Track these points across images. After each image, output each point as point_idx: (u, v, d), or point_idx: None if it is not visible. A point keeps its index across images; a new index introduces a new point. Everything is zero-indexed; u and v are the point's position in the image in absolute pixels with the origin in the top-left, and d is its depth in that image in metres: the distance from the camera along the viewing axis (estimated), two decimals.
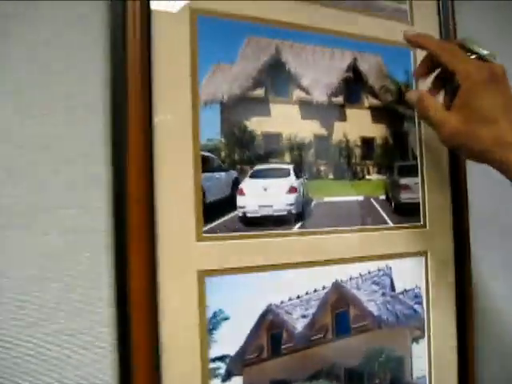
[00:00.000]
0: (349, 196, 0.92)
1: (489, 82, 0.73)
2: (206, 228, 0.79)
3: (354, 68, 0.94)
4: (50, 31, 0.74)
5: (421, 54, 0.98)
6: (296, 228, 0.86)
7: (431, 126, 0.80)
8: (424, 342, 0.99)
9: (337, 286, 0.89)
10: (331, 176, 0.91)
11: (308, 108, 0.89)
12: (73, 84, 0.76)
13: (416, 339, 0.98)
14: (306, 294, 0.87)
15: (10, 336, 0.71)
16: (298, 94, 0.89)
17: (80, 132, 0.76)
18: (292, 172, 0.87)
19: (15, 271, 0.71)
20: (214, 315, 0.79)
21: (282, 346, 0.85)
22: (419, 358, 0.98)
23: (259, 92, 0.85)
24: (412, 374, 0.97)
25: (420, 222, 0.99)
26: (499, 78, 0.74)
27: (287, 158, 0.87)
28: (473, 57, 0.79)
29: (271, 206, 0.84)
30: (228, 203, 0.82)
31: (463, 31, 1.05)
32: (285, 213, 0.86)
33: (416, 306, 0.98)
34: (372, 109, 0.96)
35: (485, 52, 0.79)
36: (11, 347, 0.71)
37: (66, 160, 0.75)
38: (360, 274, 0.92)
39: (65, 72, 0.75)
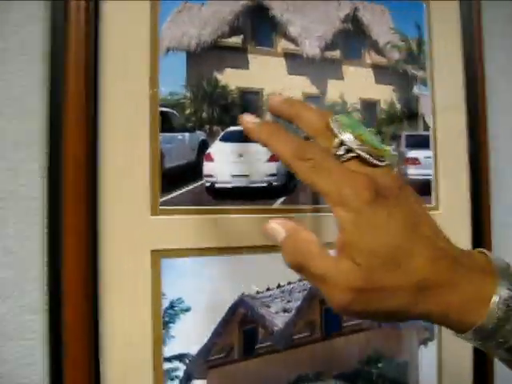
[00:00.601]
0: None
1: (375, 202, 0.45)
2: (163, 199, 0.65)
3: (353, 18, 0.79)
4: None
5: (436, 8, 0.83)
6: (278, 203, 0.72)
7: (314, 285, 0.48)
8: (434, 346, 0.83)
9: None
10: None
11: (296, 62, 0.75)
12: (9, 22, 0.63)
13: (424, 342, 0.83)
14: (289, 283, 0.72)
15: None
16: (284, 44, 0.74)
17: (13, 81, 0.62)
18: None
19: None
20: (172, 305, 0.66)
21: (257, 346, 0.71)
22: (428, 363, 0.82)
23: (235, 40, 0.71)
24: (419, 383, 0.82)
25: (431, 203, 0.83)
26: (388, 191, 0.46)
27: (269, 119, 0.72)
28: (346, 157, 0.47)
29: (247, 176, 0.70)
30: (192, 170, 0.68)
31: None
32: (264, 185, 0.71)
33: None
34: (375, 67, 0.81)
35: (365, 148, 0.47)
36: None
37: None
38: None
39: None
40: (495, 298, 0.44)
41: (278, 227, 0.50)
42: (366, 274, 0.44)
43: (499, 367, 0.88)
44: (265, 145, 0.50)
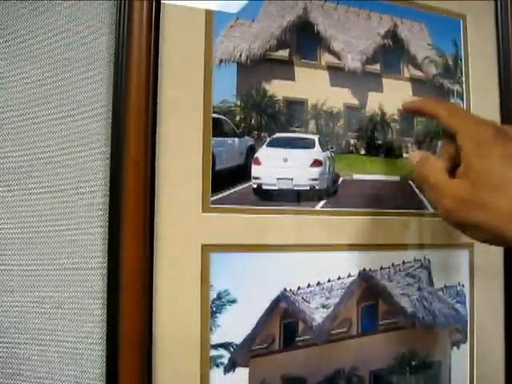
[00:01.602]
0: (383, 175, 0.81)
1: (495, 139, 0.58)
2: (213, 198, 0.71)
3: (393, 34, 0.84)
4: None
5: (472, 25, 0.88)
6: (319, 206, 0.77)
7: (429, 195, 0.63)
8: (466, 348, 0.86)
9: (365, 276, 0.79)
10: (363, 151, 0.81)
11: (339, 74, 0.80)
12: (76, 35, 0.69)
13: (457, 343, 0.86)
14: (329, 281, 0.77)
15: None
16: (327, 58, 0.79)
17: (79, 87, 0.69)
18: (317, 143, 0.77)
19: None
20: (219, 296, 0.71)
21: (297, 338, 0.75)
22: (460, 365, 0.86)
23: (282, 53, 0.77)
24: None
25: None
26: (507, 135, 0.59)
27: (312, 127, 0.78)
28: None
29: (291, 180, 0.75)
30: (241, 173, 0.73)
31: None
32: (307, 188, 0.76)
33: (458, 306, 0.86)
34: (413, 81, 0.85)
35: None
36: None
37: (63, 116, 0.68)
38: (392, 264, 0.81)
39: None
40: None
41: (416, 153, 0.69)
42: (472, 188, 0.56)
43: None
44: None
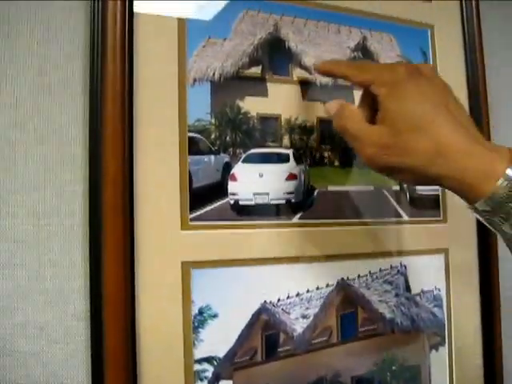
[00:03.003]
0: (357, 185, 0.84)
1: (407, 79, 0.57)
2: (192, 216, 0.72)
3: (363, 47, 0.86)
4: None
5: (440, 34, 0.90)
6: (296, 219, 0.78)
7: (352, 145, 0.60)
8: (444, 350, 0.89)
9: (343, 285, 0.81)
10: (337, 163, 0.83)
11: (310, 89, 0.82)
12: (51, 59, 0.70)
13: (435, 346, 0.88)
14: (307, 291, 0.79)
15: None
16: (299, 73, 0.81)
17: (55, 111, 0.70)
18: (292, 157, 0.79)
19: None
20: (200, 311, 0.72)
21: (279, 349, 0.77)
22: (439, 368, 0.88)
23: (255, 70, 0.79)
24: None
25: (439, 216, 0.89)
26: (420, 72, 0.58)
27: (286, 142, 0.80)
28: None
29: (267, 194, 0.77)
30: (218, 189, 0.75)
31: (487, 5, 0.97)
32: (283, 202, 0.78)
33: (435, 310, 0.88)
34: None
35: None
36: None
37: (40, 140, 0.69)
38: (370, 272, 0.83)
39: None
40: (504, 176, 0.51)
41: (332, 104, 0.64)
42: (392, 132, 0.55)
43: (509, 371, 0.93)
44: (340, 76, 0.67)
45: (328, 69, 0.67)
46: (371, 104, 0.60)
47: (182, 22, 0.73)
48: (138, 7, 0.71)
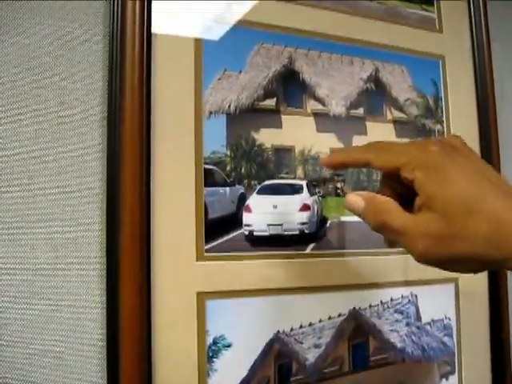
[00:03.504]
0: None
1: (444, 158, 0.50)
2: (207, 247, 0.73)
3: (375, 78, 0.87)
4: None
5: (451, 65, 0.92)
6: (309, 249, 0.80)
7: (397, 238, 0.52)
8: (454, 379, 0.89)
9: (354, 314, 0.82)
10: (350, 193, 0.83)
11: (324, 120, 0.83)
12: (70, 93, 0.72)
13: (445, 375, 0.89)
14: (320, 321, 0.79)
15: None
16: (312, 105, 0.83)
17: (75, 142, 0.71)
18: (305, 188, 0.80)
19: None
20: (215, 341, 0.73)
21: (291, 379, 0.78)
22: None
23: (270, 102, 0.80)
24: None
25: None
26: (454, 148, 0.52)
27: (300, 173, 0.81)
28: None
29: (281, 225, 0.78)
30: (233, 221, 0.76)
31: (497, 36, 0.98)
32: (296, 232, 0.79)
33: (445, 338, 0.89)
34: (396, 122, 0.89)
35: None
36: None
37: (59, 171, 0.71)
38: (381, 302, 0.84)
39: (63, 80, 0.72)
40: None
41: (357, 198, 0.54)
42: (444, 220, 0.48)
43: None
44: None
45: (340, 160, 0.58)
46: (396, 188, 0.54)
47: (198, 55, 0.75)
48: (155, 48, 0.72)
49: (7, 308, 0.68)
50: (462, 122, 0.93)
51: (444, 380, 0.89)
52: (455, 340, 0.90)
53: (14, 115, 0.69)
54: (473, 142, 0.93)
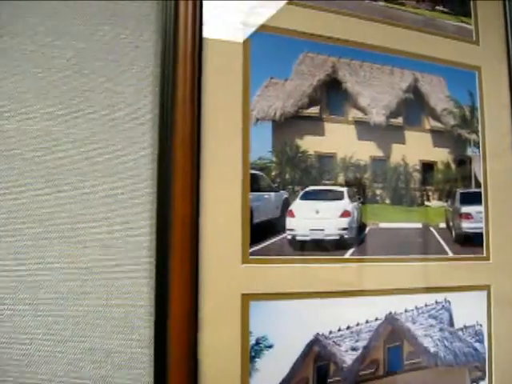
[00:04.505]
0: (406, 223, 0.86)
1: None
2: (252, 250, 0.75)
3: (414, 88, 0.89)
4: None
5: (487, 76, 0.93)
6: (348, 254, 0.81)
7: None
8: None
9: (390, 319, 0.84)
10: (388, 201, 0.86)
11: (365, 128, 0.85)
12: (122, 95, 0.74)
13: (476, 380, 0.91)
14: (357, 325, 0.81)
15: (44, 351, 0.68)
16: (354, 113, 0.85)
17: (126, 146, 0.74)
18: (346, 195, 0.82)
19: (52, 284, 0.69)
20: (257, 342, 0.75)
21: (329, 380, 0.79)
22: None
23: (313, 110, 0.82)
24: None
25: (483, 253, 0.92)
26: None
27: (341, 179, 0.83)
28: None
29: (323, 230, 0.80)
30: (277, 225, 0.78)
31: None
32: (337, 237, 0.81)
33: (476, 344, 0.90)
34: (433, 132, 0.90)
35: None
36: (43, 362, 0.68)
37: (111, 173, 0.73)
38: (416, 307, 0.86)
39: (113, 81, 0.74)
40: None
41: None
42: None
43: None
44: None
45: None
46: None
47: (246, 61, 0.77)
48: (205, 52, 0.74)
49: (60, 305, 0.70)
50: (497, 132, 0.95)
51: None
52: (486, 346, 0.91)
53: (67, 118, 0.71)
54: (508, 151, 0.95)
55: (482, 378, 0.91)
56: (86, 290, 0.71)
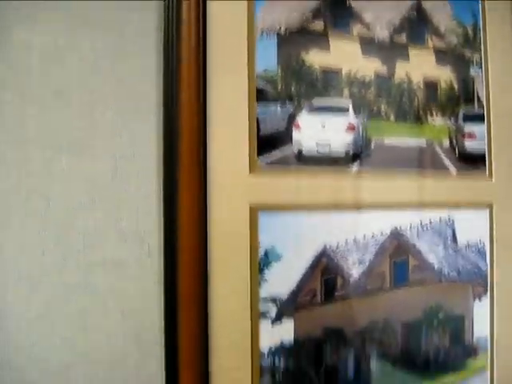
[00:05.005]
0: (411, 139, 0.86)
1: None
2: (259, 161, 0.75)
3: (417, 6, 0.89)
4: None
5: None
6: (354, 169, 0.82)
7: None
8: (487, 301, 0.92)
9: (396, 233, 0.84)
10: (392, 117, 0.86)
11: (369, 45, 0.84)
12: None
13: (478, 296, 0.92)
14: (364, 238, 0.82)
15: (55, 262, 0.68)
16: (358, 29, 0.84)
17: (131, 54, 0.73)
18: (351, 109, 0.82)
19: (61, 196, 0.69)
20: (266, 253, 0.75)
21: (336, 293, 0.80)
22: (481, 317, 0.92)
23: (318, 25, 0.81)
24: (473, 335, 0.91)
25: (486, 172, 0.92)
26: None
27: (346, 94, 0.82)
28: None
29: (329, 144, 0.80)
30: (283, 137, 0.78)
31: None
32: (343, 152, 0.81)
33: (479, 261, 0.92)
34: (436, 50, 0.90)
35: None
36: (55, 273, 0.68)
37: (117, 83, 0.72)
38: (420, 223, 0.86)
39: None
40: None
41: None
42: None
43: None
44: None
45: None
46: None
47: None
48: None
49: (71, 217, 0.69)
50: (500, 51, 0.94)
51: (477, 300, 0.92)
52: (488, 264, 0.92)
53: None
54: (509, 71, 0.95)
55: (484, 294, 0.92)
56: (95, 201, 0.71)
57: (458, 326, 0.90)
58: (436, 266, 0.87)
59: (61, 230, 0.69)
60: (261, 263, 0.75)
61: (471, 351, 0.91)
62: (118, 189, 0.72)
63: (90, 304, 0.70)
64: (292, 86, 0.79)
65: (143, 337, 0.72)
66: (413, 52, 0.88)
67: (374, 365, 0.83)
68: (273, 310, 0.76)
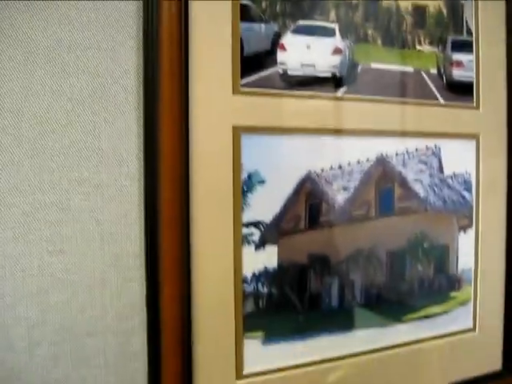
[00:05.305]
0: (398, 65, 0.84)
1: None
2: (243, 82, 0.73)
3: None
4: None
5: None
6: (340, 92, 0.79)
7: None
8: (472, 232, 0.92)
9: (381, 160, 0.83)
10: (379, 41, 0.83)
11: None
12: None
13: (464, 228, 0.91)
14: (349, 164, 0.80)
15: (29, 181, 0.65)
16: None
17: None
18: (337, 32, 0.79)
19: (35, 113, 0.66)
20: (249, 177, 0.73)
21: (321, 219, 0.79)
22: (466, 249, 0.91)
23: None
24: (457, 267, 0.90)
25: (473, 102, 0.91)
26: None
27: (333, 16, 0.80)
28: None
29: (314, 66, 0.77)
30: (268, 58, 0.75)
31: None
32: (329, 74, 0.78)
33: (465, 193, 0.90)
34: None
35: None
36: (31, 193, 0.65)
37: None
38: (407, 151, 0.85)
39: None
40: None
41: None
42: None
43: None
44: None
45: None
46: None
47: None
48: None
49: (46, 136, 0.67)
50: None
51: (462, 233, 0.91)
52: (474, 195, 0.91)
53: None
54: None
55: (470, 226, 0.92)
56: (72, 119, 0.68)
57: (442, 256, 0.89)
58: (422, 195, 0.86)
59: (34, 148, 0.66)
60: (244, 186, 0.73)
61: (455, 283, 0.91)
62: (96, 108, 0.69)
63: (67, 226, 0.68)
64: (277, 4, 0.76)
65: (123, 261, 0.70)
66: None
67: (358, 293, 0.82)
68: (256, 235, 0.74)
